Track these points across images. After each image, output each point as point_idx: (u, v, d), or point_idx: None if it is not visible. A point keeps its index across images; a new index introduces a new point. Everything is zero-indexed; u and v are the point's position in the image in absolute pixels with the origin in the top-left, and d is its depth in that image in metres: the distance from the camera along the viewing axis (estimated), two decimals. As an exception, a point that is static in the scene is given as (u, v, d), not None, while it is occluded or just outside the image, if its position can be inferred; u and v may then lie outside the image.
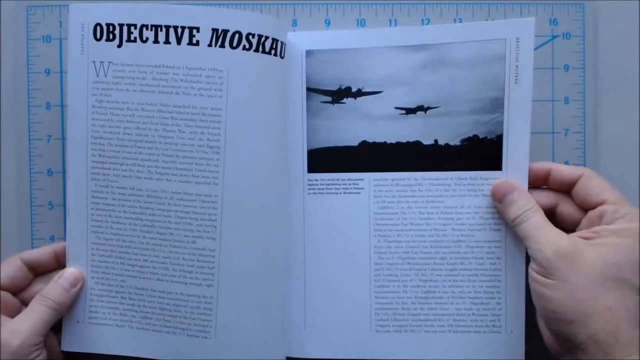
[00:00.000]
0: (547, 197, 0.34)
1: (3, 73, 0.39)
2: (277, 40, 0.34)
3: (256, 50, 0.34)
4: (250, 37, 0.34)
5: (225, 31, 0.33)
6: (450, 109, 0.36)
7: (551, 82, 0.39)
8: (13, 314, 0.33)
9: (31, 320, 0.32)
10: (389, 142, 0.37)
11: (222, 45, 0.33)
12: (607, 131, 0.40)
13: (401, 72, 0.36)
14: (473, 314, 0.36)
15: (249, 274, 0.35)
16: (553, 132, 0.40)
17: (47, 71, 0.39)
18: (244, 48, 0.34)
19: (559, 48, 0.39)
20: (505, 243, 0.35)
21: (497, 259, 0.36)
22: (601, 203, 0.31)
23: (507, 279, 0.35)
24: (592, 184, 0.32)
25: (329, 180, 0.37)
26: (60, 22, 0.39)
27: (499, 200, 0.34)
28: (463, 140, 0.36)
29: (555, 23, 0.39)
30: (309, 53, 0.37)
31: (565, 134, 0.40)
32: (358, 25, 0.39)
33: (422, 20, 0.39)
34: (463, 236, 0.36)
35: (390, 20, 0.39)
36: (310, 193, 0.37)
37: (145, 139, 0.34)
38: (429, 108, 0.36)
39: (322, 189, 0.37)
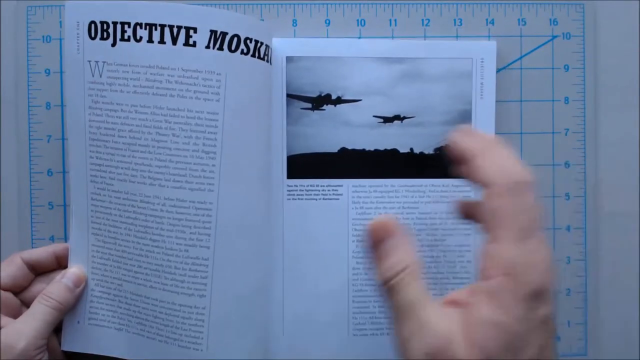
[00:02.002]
0: None
1: (3, 73, 0.40)
2: (268, 47, 0.35)
3: (253, 55, 0.34)
4: (248, 41, 0.34)
5: (224, 34, 0.33)
6: (424, 119, 0.38)
7: (551, 82, 0.40)
8: (14, 314, 0.34)
9: (35, 322, 0.32)
10: (367, 149, 0.38)
11: (221, 48, 0.33)
12: (607, 131, 0.40)
13: (379, 83, 0.38)
14: None
15: (242, 284, 0.35)
16: (553, 132, 0.40)
17: (47, 71, 0.39)
18: (242, 52, 0.33)
19: (559, 48, 0.40)
20: (475, 248, 0.38)
21: (467, 263, 0.38)
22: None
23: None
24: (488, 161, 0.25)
25: (308, 186, 0.38)
26: (60, 22, 0.40)
27: (372, 246, 0.26)
28: (436, 149, 0.38)
29: (555, 23, 0.39)
30: (289, 59, 0.38)
31: (566, 134, 0.40)
32: (358, 25, 0.39)
33: (422, 20, 0.39)
34: (436, 241, 0.38)
35: (390, 21, 0.39)
36: (289, 199, 0.38)
37: (138, 142, 0.33)
38: (404, 118, 0.38)
39: (302, 194, 0.38)
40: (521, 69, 0.40)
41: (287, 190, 0.38)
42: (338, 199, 0.38)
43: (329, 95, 0.38)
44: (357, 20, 0.40)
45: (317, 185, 0.38)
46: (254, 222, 0.35)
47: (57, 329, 0.36)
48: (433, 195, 0.38)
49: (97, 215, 0.35)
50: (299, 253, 0.38)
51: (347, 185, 0.38)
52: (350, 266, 0.38)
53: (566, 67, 0.40)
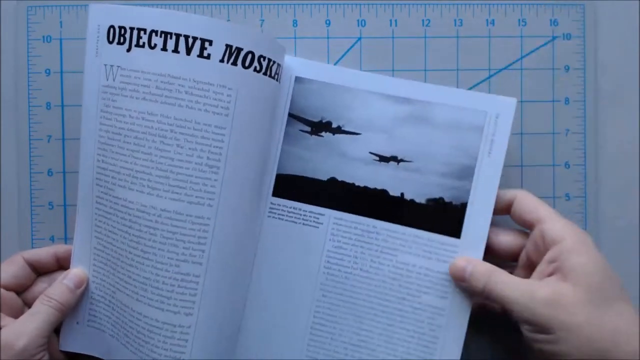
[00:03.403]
0: (512, 239, 0.36)
1: (3, 73, 0.40)
2: (280, 65, 0.36)
3: (264, 73, 0.34)
4: (262, 59, 0.34)
5: (240, 49, 0.33)
6: (422, 165, 0.37)
7: (551, 82, 0.40)
8: (16, 314, 0.34)
9: (36, 321, 0.33)
10: (357, 184, 0.37)
11: (235, 63, 0.33)
12: (607, 131, 0.41)
13: (382, 119, 0.37)
14: None
15: (228, 302, 0.35)
16: (553, 133, 0.40)
17: (48, 71, 0.40)
18: (254, 69, 0.34)
19: (560, 49, 0.40)
20: (450, 314, 0.36)
21: (437, 327, 0.36)
22: (536, 221, 0.33)
23: (444, 349, 0.36)
24: (526, 202, 0.34)
25: (291, 207, 0.38)
26: (61, 22, 0.40)
27: (460, 279, 0.34)
28: (428, 200, 0.37)
29: (555, 24, 0.40)
30: (298, 79, 0.38)
31: (566, 134, 0.40)
32: (358, 25, 0.40)
33: (423, 21, 0.39)
34: (409, 295, 0.36)
35: (390, 21, 0.40)
36: (270, 216, 0.38)
37: (142, 150, 0.33)
38: (402, 160, 0.37)
39: (283, 215, 0.38)
40: (521, 69, 0.40)
41: (270, 208, 0.38)
42: (318, 227, 0.37)
43: (329, 123, 0.37)
44: (358, 20, 0.40)
45: (300, 209, 0.38)
46: (245, 239, 0.36)
47: (57, 330, 0.36)
48: (415, 247, 0.36)
49: (99, 219, 0.35)
50: (268, 272, 0.38)
51: (329, 216, 0.37)
52: (315, 297, 0.37)
53: (566, 67, 0.40)
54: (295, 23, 0.40)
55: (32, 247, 0.40)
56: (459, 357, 0.35)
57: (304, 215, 0.38)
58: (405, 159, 0.37)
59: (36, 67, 0.40)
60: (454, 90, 0.37)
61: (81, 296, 0.36)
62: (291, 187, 0.38)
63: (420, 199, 0.37)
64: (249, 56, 0.33)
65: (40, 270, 0.36)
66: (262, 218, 0.37)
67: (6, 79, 0.41)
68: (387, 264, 0.37)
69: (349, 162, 0.37)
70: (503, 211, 0.35)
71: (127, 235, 0.34)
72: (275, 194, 0.38)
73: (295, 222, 0.38)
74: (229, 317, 0.36)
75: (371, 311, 0.37)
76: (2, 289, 0.34)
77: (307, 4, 0.40)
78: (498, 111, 0.36)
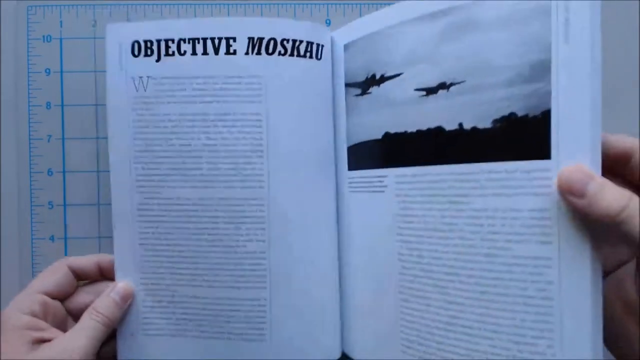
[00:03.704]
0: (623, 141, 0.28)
1: (3, 73, 0.41)
2: (311, 43, 0.37)
3: (291, 55, 0.36)
4: (285, 42, 0.36)
5: (261, 39, 0.36)
6: (479, 82, 0.29)
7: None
8: (61, 324, 0.35)
9: (86, 337, 0.33)
10: (409, 131, 0.32)
11: (259, 53, 0.36)
12: (607, 131, 0.40)
13: (421, 47, 0.31)
14: (514, 357, 0.28)
15: (300, 273, 0.37)
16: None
17: (48, 71, 0.40)
18: (279, 54, 0.36)
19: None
20: (559, 262, 0.27)
21: (546, 284, 0.27)
22: None
23: (562, 312, 0.27)
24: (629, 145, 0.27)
25: (361, 177, 0.36)
26: (61, 21, 0.40)
27: (579, 195, 0.25)
28: (495, 121, 0.28)
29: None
30: (346, 47, 0.37)
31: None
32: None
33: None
34: (497, 249, 0.28)
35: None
36: (351, 191, 0.37)
37: (188, 149, 0.36)
38: (451, 84, 0.30)
39: (358, 187, 0.36)
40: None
41: (349, 183, 0.37)
42: (383, 191, 0.34)
43: (374, 76, 0.34)
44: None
45: (366, 177, 0.35)
46: (311, 214, 0.37)
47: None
48: (491, 185, 0.28)
49: (145, 226, 0.37)
50: (357, 250, 0.37)
51: (391, 175, 0.33)
52: (397, 271, 0.33)
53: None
54: (328, 22, 0.41)
55: (32, 247, 0.42)
56: (591, 325, 0.26)
57: (370, 181, 0.35)
58: (455, 81, 0.30)
59: (36, 66, 0.41)
60: None
61: (127, 310, 0.37)
62: (358, 156, 0.36)
63: (485, 123, 0.29)
64: (272, 43, 0.36)
65: (82, 278, 0.37)
66: (346, 195, 0.38)
67: (6, 79, 0.41)
68: (461, 215, 0.30)
69: (397, 109, 0.33)
70: (613, 166, 0.28)
71: (188, 230, 0.37)
72: (350, 167, 0.37)
73: (367, 192, 0.35)
74: (308, 289, 0.37)
75: (456, 279, 0.30)
76: (47, 297, 0.34)
77: (307, 4, 0.42)
78: None
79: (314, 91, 0.37)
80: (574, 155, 0.26)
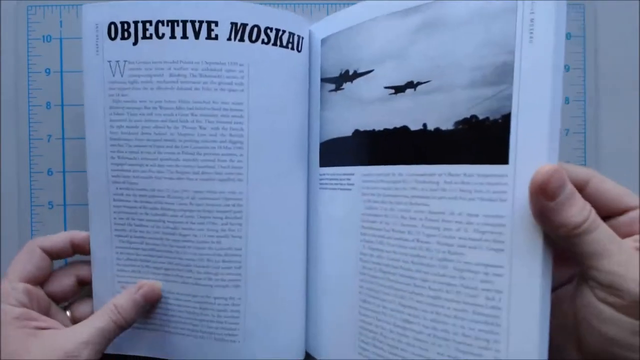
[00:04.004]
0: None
1: (3, 73, 0.41)
2: (293, 34, 0.36)
3: (274, 44, 0.35)
4: (269, 30, 0.35)
5: (244, 25, 0.34)
6: (443, 82, 0.29)
7: (552, 82, 0.39)
8: (45, 310, 0.34)
9: (100, 336, 0.32)
10: (377, 129, 0.32)
11: (242, 39, 0.34)
12: (607, 131, 0.41)
13: (392, 44, 0.31)
14: None
15: (274, 272, 0.36)
16: (553, 132, 0.40)
17: (48, 71, 0.40)
18: (262, 42, 0.35)
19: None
20: (510, 270, 0.26)
21: (496, 293, 0.26)
22: (628, 209, 0.26)
23: (510, 323, 0.26)
24: (608, 188, 0.27)
25: (331, 174, 0.36)
26: (61, 21, 0.40)
27: (551, 196, 0.24)
28: (457, 123, 0.28)
29: (555, 23, 0.39)
30: (323, 41, 0.37)
31: (566, 134, 0.40)
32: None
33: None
34: (451, 254, 0.28)
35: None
36: (321, 188, 0.37)
37: (164, 138, 0.35)
38: (418, 83, 0.30)
39: (327, 184, 0.36)
40: (522, 68, 0.40)
41: (319, 179, 0.36)
42: (350, 189, 0.33)
43: (347, 72, 0.34)
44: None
45: (335, 174, 0.35)
46: (287, 211, 0.37)
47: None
48: (449, 188, 0.28)
49: (121, 217, 0.36)
50: (325, 247, 0.36)
51: (358, 174, 0.33)
52: (358, 270, 0.33)
53: (567, 67, 0.41)
54: None
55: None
56: (538, 338, 0.25)
57: (338, 179, 0.35)
58: (421, 80, 0.29)
59: (36, 66, 0.41)
60: None
61: (146, 311, 0.36)
62: (329, 152, 0.36)
63: (447, 125, 0.28)
64: (255, 30, 0.35)
65: (55, 258, 0.36)
66: (315, 191, 0.37)
67: (6, 79, 0.41)
68: (420, 217, 0.29)
69: (367, 107, 0.33)
70: None
71: (162, 224, 0.35)
72: (322, 163, 0.36)
73: (335, 189, 0.35)
74: (282, 287, 0.37)
75: (411, 282, 0.29)
76: (29, 285, 0.34)
77: (307, 4, 0.41)
78: None
79: (293, 83, 0.37)
80: (532, 162, 0.25)
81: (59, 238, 0.36)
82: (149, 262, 0.36)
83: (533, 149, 0.25)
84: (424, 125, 0.29)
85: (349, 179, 0.34)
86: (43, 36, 0.41)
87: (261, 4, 0.35)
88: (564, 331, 0.27)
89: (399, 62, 0.31)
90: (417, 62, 0.30)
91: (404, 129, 0.30)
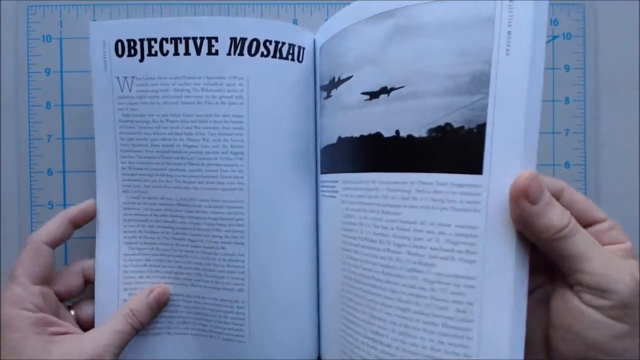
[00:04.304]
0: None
1: (3, 73, 0.42)
2: (293, 45, 0.37)
3: (274, 57, 0.36)
4: (268, 43, 0.36)
5: (243, 39, 0.36)
6: (417, 88, 0.28)
7: (552, 82, 0.40)
8: (56, 312, 0.34)
9: (119, 340, 0.33)
10: (354, 136, 0.31)
11: (241, 53, 0.36)
12: (607, 131, 0.41)
13: (369, 49, 0.30)
14: None
15: (278, 276, 0.37)
16: (553, 132, 0.40)
17: (48, 71, 0.40)
18: (262, 55, 0.36)
19: (560, 48, 0.40)
20: (482, 283, 0.26)
21: (467, 305, 0.26)
22: (595, 221, 0.28)
23: (481, 339, 0.26)
24: (578, 199, 0.28)
25: (325, 182, 0.36)
26: (61, 21, 0.41)
27: (533, 200, 0.25)
28: (430, 131, 0.27)
29: (555, 23, 0.40)
30: (320, 49, 0.37)
31: (566, 134, 0.40)
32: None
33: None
34: (421, 265, 0.27)
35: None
36: (322, 196, 0.37)
37: (171, 149, 0.36)
38: (392, 89, 0.29)
39: (324, 191, 0.36)
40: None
41: (320, 186, 0.37)
42: (335, 196, 0.33)
43: (333, 79, 0.34)
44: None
45: (324, 181, 0.36)
46: (289, 218, 0.38)
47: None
48: (421, 197, 0.27)
49: (130, 224, 0.38)
50: (324, 256, 0.37)
51: (341, 181, 0.33)
52: (340, 279, 0.32)
53: (567, 67, 0.41)
54: (295, 22, 0.40)
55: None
56: (509, 350, 0.25)
57: (326, 186, 0.35)
58: (395, 86, 0.29)
59: (36, 66, 0.42)
60: None
61: (157, 314, 0.37)
62: (324, 159, 0.36)
63: (420, 132, 0.28)
64: (254, 44, 0.36)
65: (57, 246, 0.36)
66: (319, 197, 0.38)
67: (6, 79, 0.42)
68: (391, 226, 0.28)
69: (347, 113, 0.32)
70: None
71: (172, 230, 0.37)
72: (321, 170, 0.37)
73: (325, 196, 0.36)
74: (286, 292, 0.37)
75: (381, 292, 0.29)
76: (43, 288, 0.34)
77: (307, 4, 0.41)
78: None
79: (295, 94, 0.37)
80: (506, 173, 0.25)
81: (57, 224, 0.36)
82: (158, 267, 0.38)
83: (508, 160, 0.25)
84: (397, 132, 0.29)
85: (334, 187, 0.34)
86: (43, 36, 0.41)
87: (263, 3, 0.35)
88: (529, 341, 0.27)
89: (375, 67, 0.30)
90: (391, 68, 0.29)
91: (378, 135, 0.30)
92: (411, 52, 0.28)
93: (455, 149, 0.27)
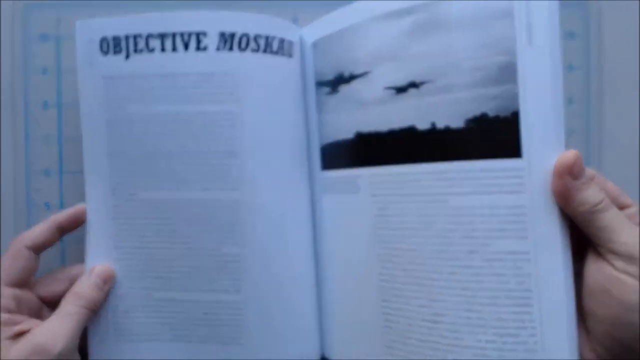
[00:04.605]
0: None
1: (0, 72, 0.39)
2: (284, 40, 0.36)
3: (264, 52, 0.36)
4: (258, 38, 0.35)
5: (233, 34, 0.35)
6: (449, 82, 0.30)
7: (555, 82, 0.39)
8: (37, 314, 0.34)
9: (70, 322, 0.32)
10: (380, 130, 0.32)
11: (231, 49, 0.35)
12: (611, 131, 0.41)
13: (387, 45, 0.32)
14: (499, 349, 0.29)
15: (276, 277, 0.37)
16: (557, 132, 0.39)
17: (44, 70, 0.40)
18: (252, 50, 0.35)
19: (563, 48, 0.39)
20: (535, 256, 0.28)
21: (525, 277, 0.28)
22: (624, 206, 0.30)
23: (542, 302, 0.28)
24: (608, 186, 0.31)
25: (334, 178, 0.36)
26: (58, 21, 0.39)
27: (577, 175, 0.28)
28: (468, 121, 0.29)
29: (559, 22, 0.39)
30: (314, 45, 0.37)
31: (570, 134, 0.39)
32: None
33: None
34: (477, 246, 0.29)
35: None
36: (324, 192, 0.37)
37: (162, 149, 0.35)
38: (422, 83, 0.31)
39: (330, 187, 0.36)
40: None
41: (322, 183, 0.37)
42: (358, 192, 0.34)
43: (341, 75, 0.34)
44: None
45: (339, 177, 0.35)
46: (287, 217, 0.37)
47: None
48: (467, 184, 0.29)
49: (120, 228, 0.37)
50: (334, 250, 0.37)
51: (365, 175, 0.33)
52: (376, 271, 0.33)
53: (570, 67, 0.40)
54: (295, 22, 0.40)
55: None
56: (566, 312, 0.28)
57: (343, 182, 0.35)
58: (425, 80, 0.30)
59: (33, 66, 0.41)
60: None
61: (108, 293, 0.36)
62: (331, 155, 0.36)
63: (458, 123, 0.29)
64: (244, 39, 0.35)
65: (43, 250, 0.36)
66: (318, 195, 0.38)
67: (3, 79, 0.42)
68: (439, 213, 0.30)
69: (367, 109, 0.33)
70: None
71: (163, 233, 0.36)
72: (323, 167, 0.37)
73: (340, 193, 0.35)
74: (284, 292, 0.37)
75: (439, 277, 0.30)
76: (16, 290, 0.34)
77: (307, 4, 0.40)
78: None
79: (287, 89, 0.37)
80: (543, 154, 0.28)
81: (44, 228, 0.35)
82: (148, 272, 0.36)
83: (543, 142, 0.28)
84: (433, 124, 0.30)
85: (354, 182, 0.34)
86: (40, 35, 0.41)
87: (255, 3, 0.35)
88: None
89: (396, 63, 0.32)
90: (417, 63, 0.31)
91: (411, 128, 0.31)
92: (436, 47, 0.30)
93: (494, 136, 0.29)
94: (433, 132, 0.30)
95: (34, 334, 0.31)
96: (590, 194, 0.28)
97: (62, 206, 0.41)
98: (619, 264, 0.27)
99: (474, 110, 0.29)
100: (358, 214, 0.34)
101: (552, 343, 0.28)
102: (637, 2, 0.41)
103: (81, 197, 0.38)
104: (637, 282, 0.27)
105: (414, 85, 0.31)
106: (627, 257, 0.27)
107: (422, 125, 0.31)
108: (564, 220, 0.28)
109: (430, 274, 0.31)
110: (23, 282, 0.34)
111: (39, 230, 0.35)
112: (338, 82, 0.35)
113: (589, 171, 0.29)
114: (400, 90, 0.31)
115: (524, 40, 0.28)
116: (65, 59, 0.41)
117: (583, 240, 0.29)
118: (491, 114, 0.29)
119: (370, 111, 0.33)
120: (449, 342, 0.30)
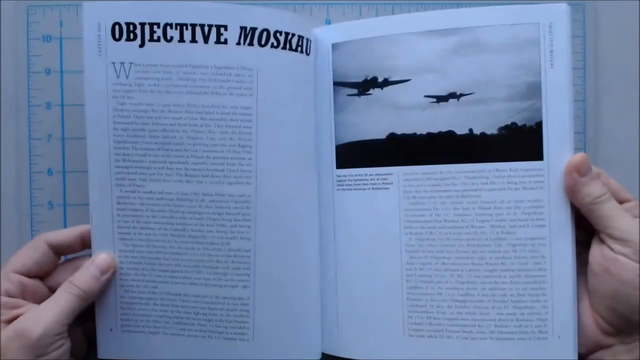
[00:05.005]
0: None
1: (3, 73, 0.41)
2: (302, 37, 0.36)
3: (284, 48, 0.36)
4: (278, 34, 0.35)
5: (254, 29, 0.35)
6: (485, 95, 0.35)
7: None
8: (42, 301, 0.34)
9: (56, 308, 0.32)
10: (419, 133, 0.36)
11: (251, 44, 0.35)
12: (607, 131, 0.41)
13: (430, 58, 0.36)
14: (517, 319, 0.35)
15: (284, 273, 0.37)
16: (554, 132, 0.40)
17: (48, 71, 0.40)
18: (272, 46, 0.35)
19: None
20: (550, 240, 0.34)
21: (541, 258, 0.34)
22: (625, 200, 0.35)
23: (553, 280, 0.34)
24: (611, 183, 0.35)
25: (356, 175, 0.37)
26: (61, 21, 0.41)
27: (584, 173, 0.33)
28: (500, 129, 0.35)
29: (556, 23, 0.39)
30: (334, 46, 0.38)
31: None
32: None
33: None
34: (503, 233, 0.35)
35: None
36: (339, 189, 0.38)
37: (173, 141, 0.35)
38: (462, 95, 0.35)
39: (350, 185, 0.37)
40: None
41: (337, 181, 0.38)
42: (388, 188, 0.36)
43: (375, 79, 0.36)
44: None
45: (366, 175, 0.37)
46: (297, 213, 0.37)
47: (84, 319, 0.36)
48: (498, 181, 0.35)
49: (125, 220, 0.36)
50: (351, 245, 0.38)
51: (397, 173, 0.36)
52: (403, 260, 0.36)
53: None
54: (328, 22, 0.41)
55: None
56: (571, 287, 0.34)
57: (372, 179, 0.37)
58: (465, 92, 0.35)
59: (36, 66, 0.42)
60: (498, 8, 0.35)
61: (107, 282, 0.35)
62: (352, 154, 0.37)
63: (492, 130, 0.35)
64: (264, 34, 0.35)
65: (64, 253, 0.36)
66: (331, 193, 0.38)
67: (6, 79, 0.42)
68: (472, 207, 0.35)
69: (405, 113, 0.36)
70: None
71: (170, 226, 0.35)
72: (339, 165, 0.38)
73: (364, 189, 0.37)
74: (292, 288, 0.37)
75: (468, 261, 0.35)
76: (23, 277, 0.34)
77: (308, 4, 0.41)
78: (550, 20, 0.34)
79: (302, 87, 0.37)
80: (559, 156, 0.34)
81: (68, 233, 0.35)
82: (154, 265, 0.36)
83: (559, 148, 0.34)
84: (470, 130, 0.35)
85: (385, 179, 0.37)
86: (43, 36, 0.41)
87: (264, 4, 0.35)
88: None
89: (439, 75, 0.36)
90: (458, 77, 0.36)
91: (450, 132, 0.36)
92: (476, 65, 0.35)
93: (521, 142, 0.35)
94: (470, 137, 0.35)
95: (20, 318, 0.32)
96: (593, 188, 0.33)
97: (65, 206, 0.41)
98: (616, 246, 0.32)
99: (506, 120, 0.35)
100: (386, 209, 0.37)
101: (560, 311, 0.34)
102: (634, 2, 0.42)
103: (84, 196, 0.38)
104: (631, 261, 0.32)
105: (454, 95, 0.35)
106: (623, 241, 0.32)
107: (461, 130, 0.36)
108: (573, 212, 0.34)
109: (462, 260, 0.35)
110: (34, 274, 0.34)
111: (63, 232, 0.36)
112: (369, 85, 0.37)
113: (596, 170, 0.34)
114: (442, 99, 0.36)
115: (548, 64, 0.34)
116: (68, 60, 0.41)
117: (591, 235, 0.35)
118: (519, 123, 0.35)
119: (408, 115, 0.36)
120: (475, 318, 0.35)
